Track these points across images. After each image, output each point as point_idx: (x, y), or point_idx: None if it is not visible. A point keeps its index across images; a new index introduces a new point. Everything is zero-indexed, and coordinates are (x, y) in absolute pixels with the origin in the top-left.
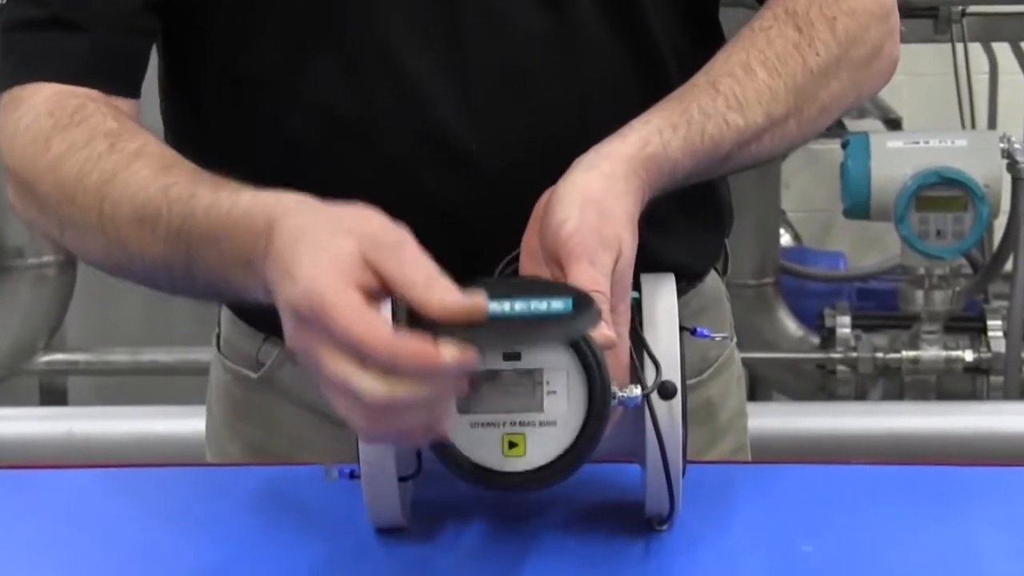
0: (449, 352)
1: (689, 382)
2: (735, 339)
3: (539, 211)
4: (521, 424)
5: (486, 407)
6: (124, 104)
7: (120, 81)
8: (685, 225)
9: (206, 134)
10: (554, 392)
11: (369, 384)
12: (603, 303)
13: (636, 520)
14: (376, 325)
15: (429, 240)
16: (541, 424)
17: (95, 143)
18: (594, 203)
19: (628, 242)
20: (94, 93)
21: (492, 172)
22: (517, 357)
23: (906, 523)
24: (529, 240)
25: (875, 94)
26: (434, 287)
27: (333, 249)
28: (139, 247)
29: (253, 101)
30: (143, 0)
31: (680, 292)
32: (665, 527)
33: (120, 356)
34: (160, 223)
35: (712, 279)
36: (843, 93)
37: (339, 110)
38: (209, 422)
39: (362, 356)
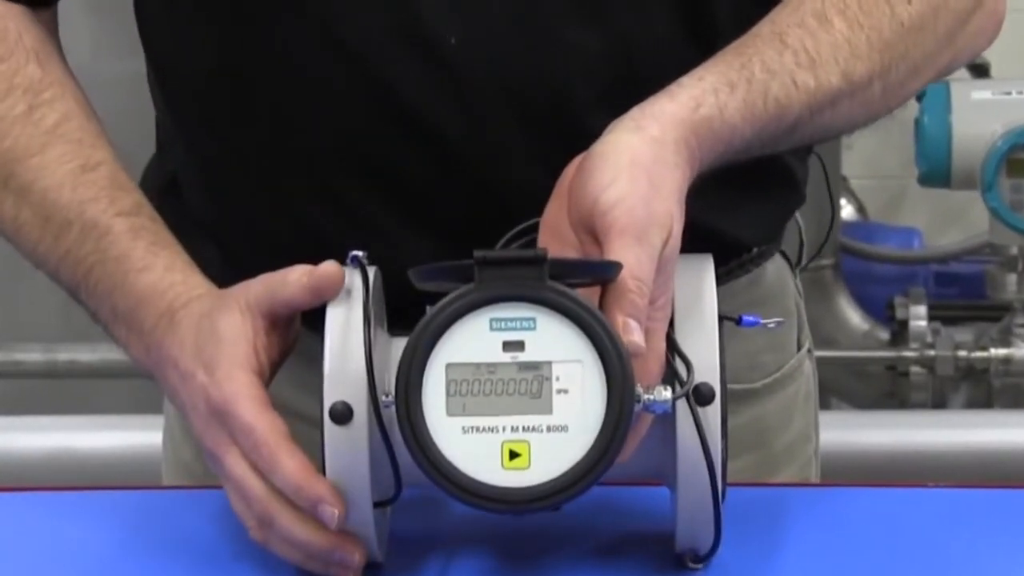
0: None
1: (731, 387)
2: (808, 346)
3: (565, 181)
4: (525, 429)
5: (482, 408)
6: (46, 16)
7: None
8: (730, 184)
9: (159, 22)
10: (565, 390)
11: (259, 491)
12: (642, 296)
13: (665, 556)
14: (273, 431)
15: (398, 149)
16: (549, 429)
17: (12, 99)
18: (644, 170)
19: (678, 222)
20: (14, 8)
21: (474, 73)
22: (520, 347)
23: (997, 558)
24: (551, 215)
25: (975, 57)
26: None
27: (237, 338)
28: (35, 238)
29: None
30: None
31: (730, 275)
32: (701, 566)
33: (33, 355)
34: (65, 238)
35: (775, 267)
36: (937, 52)
37: None
38: (166, 424)
39: (263, 472)
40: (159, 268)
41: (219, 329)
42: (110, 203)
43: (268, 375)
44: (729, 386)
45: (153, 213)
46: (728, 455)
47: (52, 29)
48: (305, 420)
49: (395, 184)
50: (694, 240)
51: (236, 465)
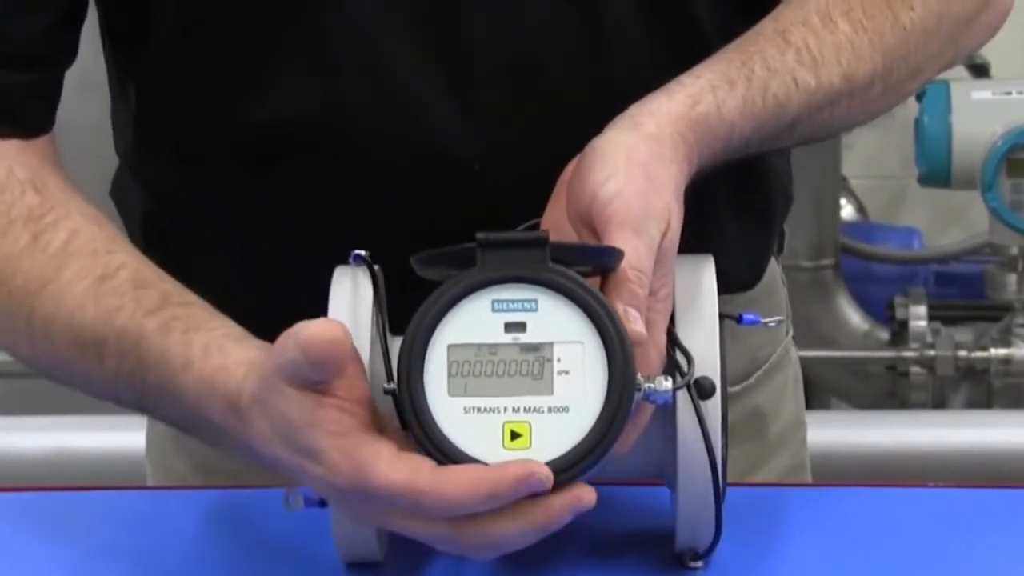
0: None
1: (734, 388)
2: (791, 332)
3: (564, 180)
4: (526, 410)
5: (483, 389)
6: (40, 144)
7: (32, 121)
8: (733, 226)
9: (155, 137)
10: (566, 371)
11: (448, 532)
12: (642, 286)
13: (665, 556)
14: (416, 477)
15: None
16: (550, 410)
17: (13, 234)
18: (641, 165)
19: (677, 216)
20: (4, 144)
21: (500, 194)
22: (521, 328)
23: (997, 558)
24: (552, 214)
25: (978, 50)
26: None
27: (306, 411)
28: (82, 368)
29: (202, 103)
30: (50, 19)
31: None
32: (700, 563)
33: None
34: (108, 355)
35: (768, 265)
36: (940, 53)
37: (302, 112)
38: (151, 433)
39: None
40: (197, 359)
41: (286, 413)
42: (136, 306)
43: (368, 408)
44: (732, 387)
45: (183, 295)
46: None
47: (48, 153)
48: None
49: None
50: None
51: (409, 527)
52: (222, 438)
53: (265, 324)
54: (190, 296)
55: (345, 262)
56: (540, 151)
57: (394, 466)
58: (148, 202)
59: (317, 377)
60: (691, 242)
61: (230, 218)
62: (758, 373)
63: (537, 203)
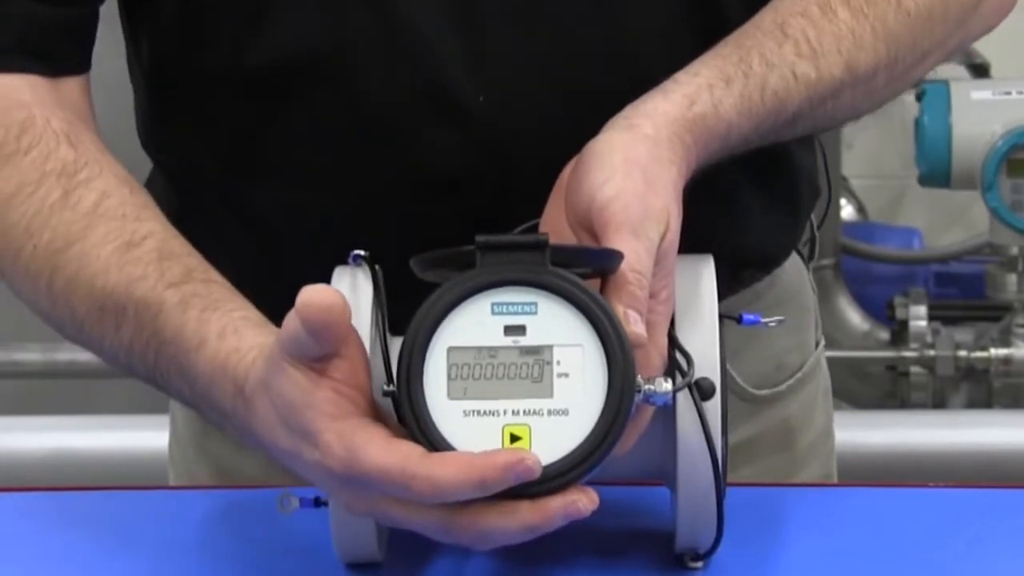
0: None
1: (763, 391)
2: (823, 342)
3: (563, 182)
4: (526, 413)
5: (483, 392)
6: (73, 85)
7: (61, 59)
8: (755, 201)
9: (161, 71)
10: (566, 374)
11: (438, 520)
12: (641, 288)
13: (665, 556)
14: (407, 461)
15: (426, 211)
16: (550, 413)
17: (46, 187)
18: (639, 167)
19: (675, 217)
20: (38, 83)
21: (504, 131)
22: (521, 331)
23: (997, 558)
24: (550, 216)
25: (986, 33)
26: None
27: (307, 393)
28: (98, 334)
29: (209, 45)
30: None
31: (750, 281)
32: (700, 564)
33: (32, 355)
34: (125, 324)
35: (793, 265)
36: (945, 39)
37: (309, 49)
38: (172, 440)
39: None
40: (212, 339)
41: (286, 394)
42: (159, 277)
43: (366, 393)
44: (758, 392)
45: (207, 273)
46: (754, 457)
47: (81, 105)
48: None
49: (423, 241)
50: (720, 258)
51: (401, 515)
52: (226, 421)
53: (276, 304)
54: (214, 274)
55: (352, 216)
56: (546, 93)
57: (386, 450)
58: (168, 189)
59: (315, 350)
60: (712, 210)
61: (240, 179)
62: (790, 382)
63: (539, 150)
